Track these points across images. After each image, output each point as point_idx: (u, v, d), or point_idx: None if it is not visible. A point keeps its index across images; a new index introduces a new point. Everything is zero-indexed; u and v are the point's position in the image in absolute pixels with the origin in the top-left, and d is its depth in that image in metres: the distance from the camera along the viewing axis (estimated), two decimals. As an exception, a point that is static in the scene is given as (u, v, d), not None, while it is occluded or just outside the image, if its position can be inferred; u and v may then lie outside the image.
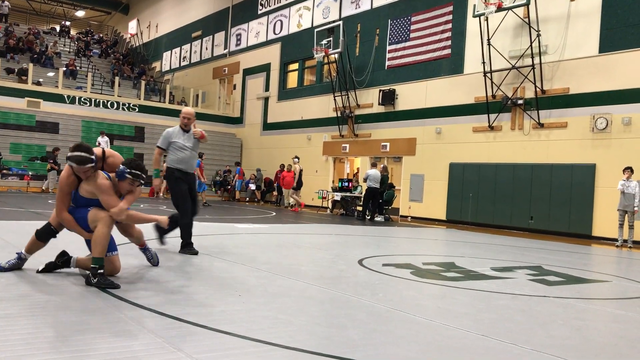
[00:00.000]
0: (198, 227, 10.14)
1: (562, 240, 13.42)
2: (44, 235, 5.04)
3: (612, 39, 14.16)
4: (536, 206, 15.29)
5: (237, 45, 28.28)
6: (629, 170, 12.47)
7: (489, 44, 15.93)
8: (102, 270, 4.61)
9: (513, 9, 15.24)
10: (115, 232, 5.05)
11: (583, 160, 14.20)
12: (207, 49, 30.75)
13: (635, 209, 12.38)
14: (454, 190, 17.43)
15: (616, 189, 13.17)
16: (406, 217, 18.67)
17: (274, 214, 17.24)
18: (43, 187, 20.85)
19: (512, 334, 3.92)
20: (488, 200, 16.46)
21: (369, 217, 17.03)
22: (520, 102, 15.70)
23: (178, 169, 6.97)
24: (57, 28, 37.88)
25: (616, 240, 12.72)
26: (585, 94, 14.60)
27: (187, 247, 6.94)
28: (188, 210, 6.99)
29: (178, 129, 7.06)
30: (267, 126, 25.77)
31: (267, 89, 25.97)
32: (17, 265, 5.04)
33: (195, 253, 6.88)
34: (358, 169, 21.06)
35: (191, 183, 7.11)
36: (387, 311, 4.39)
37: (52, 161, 20.80)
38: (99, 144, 22.72)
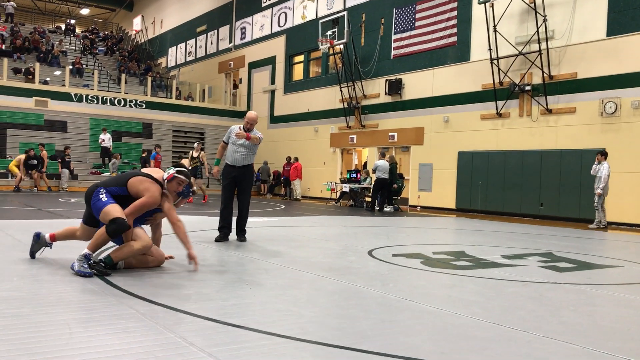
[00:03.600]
0: (208, 222, 10.19)
1: (573, 226, 13.36)
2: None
3: (619, 22, 14.00)
4: (546, 193, 15.22)
5: (242, 38, 28.25)
6: (599, 154, 12.85)
7: (495, 31, 15.81)
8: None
9: (519, -5, 15.11)
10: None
11: (592, 146, 14.10)
12: (212, 43, 30.74)
13: (599, 191, 12.71)
14: (463, 179, 17.37)
15: (626, 173, 13.26)
16: (415, 206, 18.64)
17: (283, 207, 17.27)
18: (63, 187, 21.15)
19: (523, 321, 3.91)
20: (497, 188, 16.39)
21: (378, 208, 17.02)
22: (527, 88, 15.60)
23: (227, 163, 7.95)
24: (63, 27, 38.00)
25: (628, 224, 12.76)
26: (594, 79, 14.47)
27: (220, 230, 7.79)
28: (222, 201, 7.89)
29: (239, 128, 7.90)
30: (274, 119, 25.77)
31: (273, 82, 25.94)
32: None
33: (216, 240, 7.69)
34: (365, 162, 20.96)
35: (241, 175, 7.86)
36: (397, 301, 4.39)
37: (60, 160, 20.96)
38: (102, 141, 22.86)
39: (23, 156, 19.84)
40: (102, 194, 5.08)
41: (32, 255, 5.56)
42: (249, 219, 8.26)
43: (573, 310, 4.34)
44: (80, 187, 21.70)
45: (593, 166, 13.01)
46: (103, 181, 5.34)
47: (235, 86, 28.89)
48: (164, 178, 5.31)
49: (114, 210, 4.94)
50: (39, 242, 5.52)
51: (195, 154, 16.59)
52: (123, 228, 4.88)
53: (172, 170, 5.35)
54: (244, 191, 7.99)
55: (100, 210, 4.99)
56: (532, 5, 15.19)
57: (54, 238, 5.51)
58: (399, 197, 18.14)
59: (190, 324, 3.49)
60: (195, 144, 17.08)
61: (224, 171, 7.98)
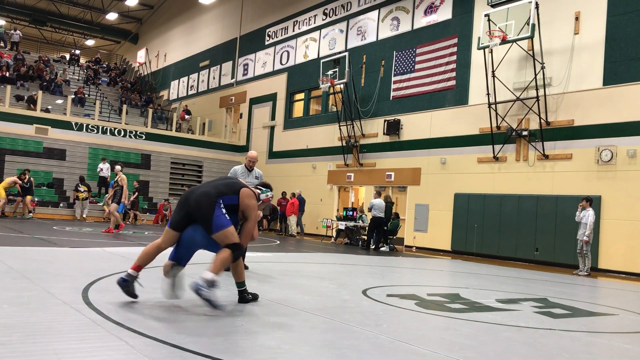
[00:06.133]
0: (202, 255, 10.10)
1: (568, 272, 13.31)
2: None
3: (616, 71, 14.26)
4: (541, 238, 15.21)
5: (244, 74, 28.62)
6: (584, 200, 12.99)
7: (493, 76, 16.07)
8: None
9: (517, 42, 15.40)
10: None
11: (588, 192, 14.15)
12: (214, 78, 31.13)
13: (585, 238, 12.76)
14: (459, 221, 17.37)
15: (621, 221, 13.32)
16: (411, 247, 18.58)
17: (278, 242, 17.20)
18: (85, 216, 21.59)
19: (517, 367, 3.87)
20: (493, 231, 16.38)
21: (373, 247, 16.96)
22: (524, 133, 15.76)
23: None
24: (67, 56, 38.48)
25: (620, 272, 12.70)
26: (590, 126, 14.65)
27: None
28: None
29: (243, 167, 8.44)
30: (273, 154, 25.90)
31: (273, 118, 26.18)
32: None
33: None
34: (362, 204, 21.01)
35: None
36: (390, 342, 4.35)
37: (87, 190, 21.41)
38: (101, 170, 22.89)
39: (13, 178, 19.85)
40: (222, 208, 5.07)
41: (135, 296, 5.10)
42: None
43: (568, 357, 4.30)
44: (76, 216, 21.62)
45: (577, 213, 13.08)
46: (216, 188, 5.18)
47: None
48: (262, 199, 5.54)
49: (235, 234, 5.09)
50: (128, 283, 5.04)
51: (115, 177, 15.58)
52: (243, 254, 5.19)
53: (270, 194, 5.65)
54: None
55: (221, 228, 5.00)
56: (531, 52, 15.49)
57: (139, 269, 5.10)
58: (394, 237, 18.11)
59: (180, 358, 3.44)
60: (117, 166, 16.11)
61: None
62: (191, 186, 22.41)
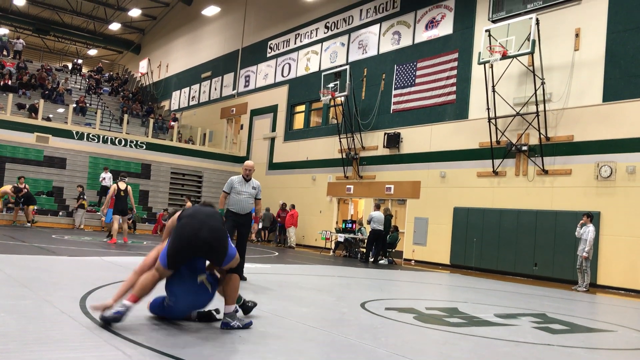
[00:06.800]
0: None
1: (567, 287, 13.27)
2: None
3: (615, 88, 14.32)
4: (540, 253, 15.19)
5: (245, 86, 28.74)
6: (585, 215, 12.99)
7: (493, 91, 16.13)
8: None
9: (518, 57, 15.49)
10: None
11: (587, 208, 14.15)
12: (216, 89, 31.25)
13: (584, 254, 12.74)
14: (458, 235, 17.35)
15: (620, 237, 13.31)
16: (410, 260, 18.54)
17: (277, 254, 17.17)
18: (82, 225, 21.65)
19: (515, 382, 3.85)
20: (492, 246, 16.36)
21: (372, 260, 16.93)
22: (524, 148, 15.79)
23: (231, 210, 8.48)
24: (70, 65, 38.64)
25: (619, 288, 12.66)
26: (590, 142, 14.69)
27: None
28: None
29: (240, 178, 8.55)
30: (273, 166, 25.93)
31: (273, 129, 26.25)
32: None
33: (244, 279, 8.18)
34: (361, 217, 21.02)
35: (243, 222, 8.51)
36: (388, 356, 4.34)
37: (84, 198, 21.48)
38: (103, 179, 22.89)
39: (8, 188, 19.78)
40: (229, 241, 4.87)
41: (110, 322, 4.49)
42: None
43: (565, 373, 4.29)
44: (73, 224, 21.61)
45: (577, 229, 13.06)
46: (219, 219, 4.88)
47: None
48: None
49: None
50: (123, 317, 4.51)
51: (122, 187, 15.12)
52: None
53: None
54: (243, 236, 8.46)
55: (233, 257, 4.84)
56: (531, 68, 15.56)
57: (137, 300, 4.60)
58: (393, 250, 18.08)
59: (177, 369, 3.43)
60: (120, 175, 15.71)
61: (227, 217, 8.41)
62: (190, 197, 22.11)
